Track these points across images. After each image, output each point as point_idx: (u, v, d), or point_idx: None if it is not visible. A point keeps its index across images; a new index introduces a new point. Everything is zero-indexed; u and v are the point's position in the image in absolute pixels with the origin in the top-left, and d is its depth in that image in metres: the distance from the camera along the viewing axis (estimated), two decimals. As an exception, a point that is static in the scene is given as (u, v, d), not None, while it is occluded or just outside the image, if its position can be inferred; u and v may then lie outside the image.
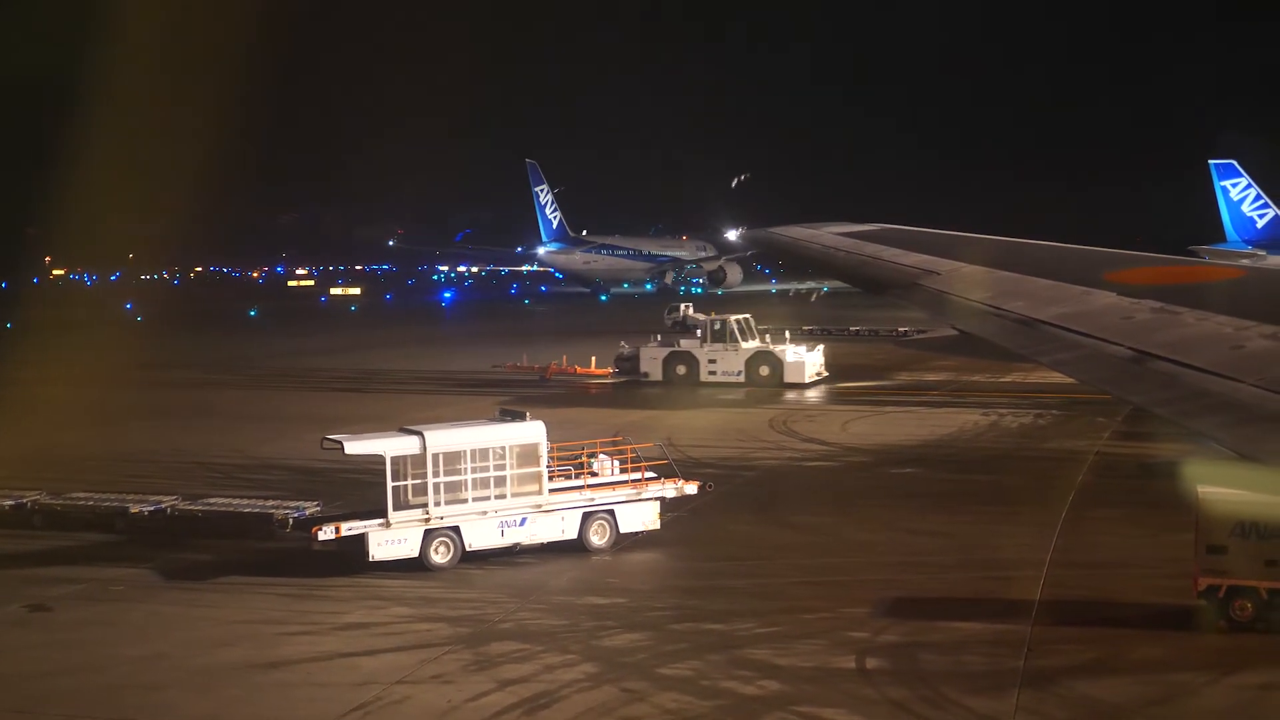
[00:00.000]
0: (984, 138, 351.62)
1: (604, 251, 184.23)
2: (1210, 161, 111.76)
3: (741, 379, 66.75)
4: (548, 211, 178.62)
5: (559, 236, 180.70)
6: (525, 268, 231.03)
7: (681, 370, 68.11)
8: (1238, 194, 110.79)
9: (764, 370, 66.59)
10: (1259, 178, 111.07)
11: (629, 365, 69.94)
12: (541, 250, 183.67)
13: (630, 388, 68.03)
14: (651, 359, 69.16)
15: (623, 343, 73.11)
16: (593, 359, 72.42)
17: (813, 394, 64.95)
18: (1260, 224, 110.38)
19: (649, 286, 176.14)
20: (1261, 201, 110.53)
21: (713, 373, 67.43)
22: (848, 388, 66.45)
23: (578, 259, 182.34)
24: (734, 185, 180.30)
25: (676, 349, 69.21)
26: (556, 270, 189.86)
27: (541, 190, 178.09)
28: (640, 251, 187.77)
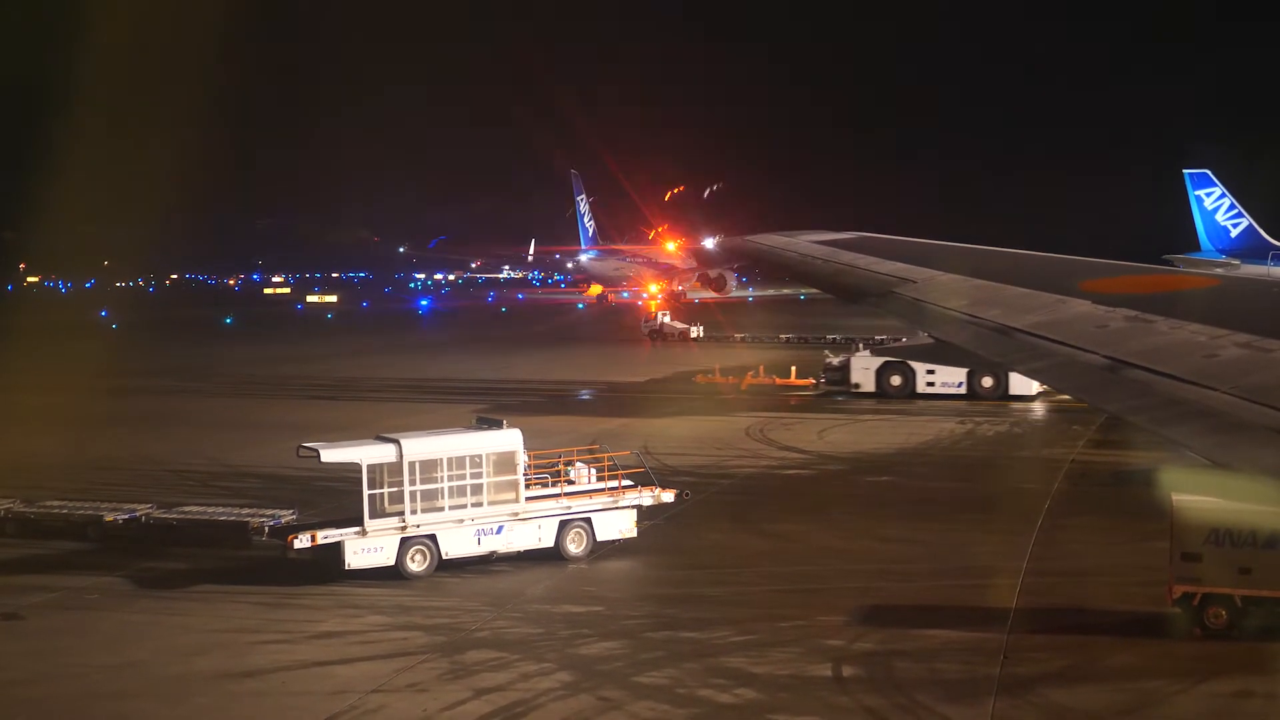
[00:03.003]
0: (957, 146, 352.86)
1: (627, 259, 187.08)
2: (1185, 171, 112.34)
3: (962, 390, 63.00)
4: (585, 220, 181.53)
5: (593, 244, 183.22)
6: (502, 276, 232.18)
7: (896, 381, 63.91)
8: (1212, 203, 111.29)
9: (987, 382, 62.30)
10: (1233, 187, 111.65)
11: (838, 375, 66.34)
12: (583, 258, 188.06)
13: (828, 398, 65.12)
14: (864, 369, 64.73)
15: (828, 351, 70.95)
16: (792, 369, 70.42)
17: (1036, 406, 61.46)
18: (1234, 233, 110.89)
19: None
20: (1235, 211, 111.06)
21: (930, 384, 63.40)
22: (1066, 400, 61.39)
23: (610, 265, 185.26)
24: (706, 195, 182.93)
25: (892, 359, 64.40)
26: (592, 275, 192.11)
27: (581, 199, 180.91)
28: (652, 259, 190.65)
